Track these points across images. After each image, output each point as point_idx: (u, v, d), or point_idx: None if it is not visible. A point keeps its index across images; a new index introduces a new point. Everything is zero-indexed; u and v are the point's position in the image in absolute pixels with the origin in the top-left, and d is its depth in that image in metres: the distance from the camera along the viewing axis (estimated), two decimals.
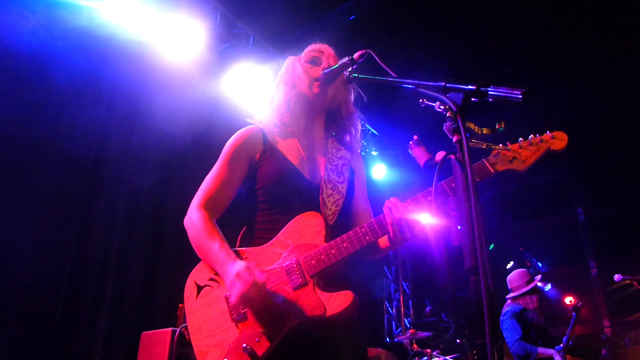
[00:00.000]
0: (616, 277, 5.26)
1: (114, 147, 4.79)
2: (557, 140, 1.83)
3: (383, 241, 2.03)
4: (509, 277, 5.72)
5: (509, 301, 5.62)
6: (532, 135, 1.85)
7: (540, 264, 10.05)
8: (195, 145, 5.46)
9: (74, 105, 4.49)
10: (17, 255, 3.87)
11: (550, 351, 5.02)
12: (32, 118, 4.16)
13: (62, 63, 4.32)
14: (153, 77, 5.20)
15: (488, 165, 1.85)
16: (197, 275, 1.99)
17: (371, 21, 6.00)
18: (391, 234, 1.86)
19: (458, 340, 5.82)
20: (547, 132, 1.84)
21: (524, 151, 1.83)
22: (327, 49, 2.25)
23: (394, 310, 9.26)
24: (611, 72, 6.89)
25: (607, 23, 6.10)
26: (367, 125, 8.19)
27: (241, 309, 1.84)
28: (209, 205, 2.06)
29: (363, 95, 2.38)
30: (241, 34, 5.99)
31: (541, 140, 1.83)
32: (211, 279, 1.95)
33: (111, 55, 4.84)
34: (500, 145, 1.85)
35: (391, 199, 1.89)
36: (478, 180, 1.85)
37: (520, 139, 1.85)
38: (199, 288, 1.95)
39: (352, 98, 2.34)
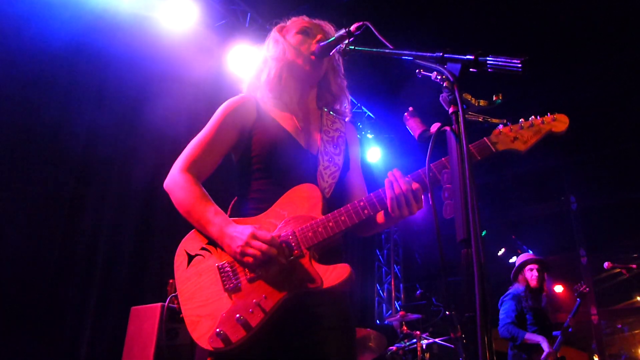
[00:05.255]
0: (605, 264, 5.33)
1: (107, 125, 4.72)
2: (558, 122, 1.81)
3: (380, 216, 1.97)
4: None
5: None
6: (533, 117, 1.83)
7: (531, 252, 10.12)
8: (189, 120, 5.39)
9: (64, 83, 4.42)
10: (6, 231, 3.83)
11: (539, 338, 5.00)
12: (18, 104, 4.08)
13: (48, 37, 4.22)
14: (147, 52, 5.10)
15: (489, 144, 1.81)
16: (188, 244, 1.92)
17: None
18: (389, 209, 1.78)
19: (447, 312, 5.84)
20: (548, 113, 1.83)
21: (525, 132, 1.80)
22: (310, 20, 2.24)
23: (384, 293, 9.32)
24: (607, 60, 6.86)
25: (607, 11, 6.05)
26: (363, 108, 8.14)
27: (240, 276, 1.79)
28: (193, 169, 1.99)
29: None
30: (238, 10, 5.89)
31: (542, 122, 1.81)
32: (203, 248, 1.89)
33: (103, 29, 4.74)
34: (501, 126, 1.82)
35: (394, 170, 1.80)
36: (479, 158, 1.82)
37: (521, 119, 1.82)
38: (190, 257, 1.89)
39: (342, 70, 2.30)
